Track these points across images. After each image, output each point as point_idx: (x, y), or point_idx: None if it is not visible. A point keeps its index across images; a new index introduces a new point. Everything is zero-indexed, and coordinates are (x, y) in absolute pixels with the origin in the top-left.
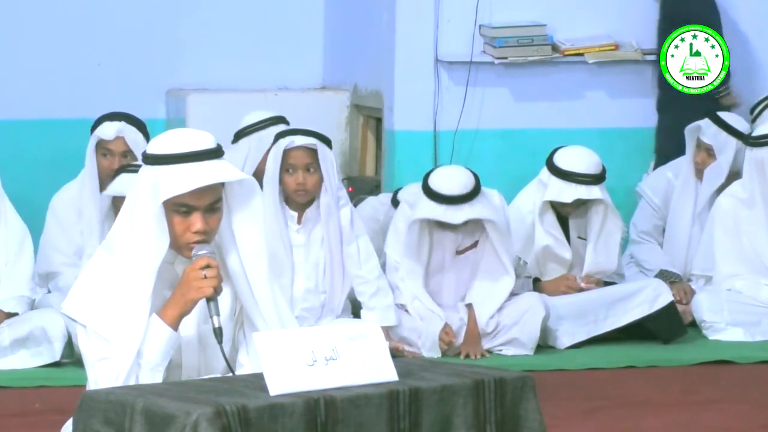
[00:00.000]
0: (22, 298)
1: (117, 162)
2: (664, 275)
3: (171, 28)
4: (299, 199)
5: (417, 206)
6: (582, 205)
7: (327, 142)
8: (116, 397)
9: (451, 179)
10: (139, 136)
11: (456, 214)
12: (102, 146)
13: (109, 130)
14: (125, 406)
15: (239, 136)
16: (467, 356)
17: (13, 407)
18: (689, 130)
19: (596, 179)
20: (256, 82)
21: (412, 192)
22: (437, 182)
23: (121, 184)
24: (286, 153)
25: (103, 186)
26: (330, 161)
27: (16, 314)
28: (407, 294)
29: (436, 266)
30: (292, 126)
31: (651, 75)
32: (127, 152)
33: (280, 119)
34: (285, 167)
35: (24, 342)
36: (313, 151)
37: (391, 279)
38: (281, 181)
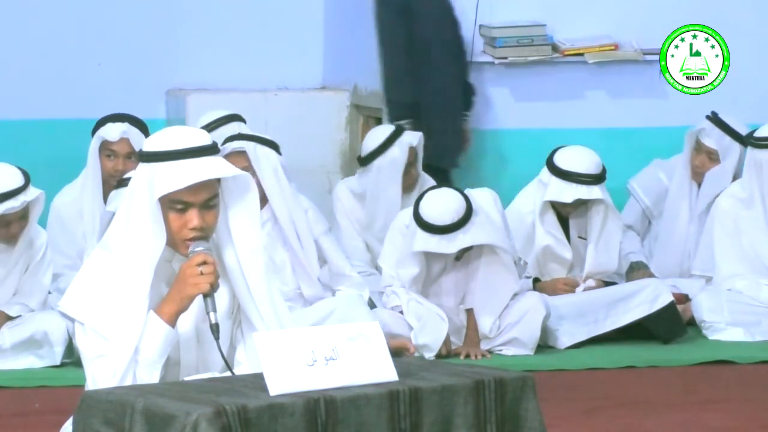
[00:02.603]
0: (26, 307)
1: (121, 163)
2: (633, 267)
3: (171, 28)
4: None
5: (413, 238)
6: (582, 205)
7: (268, 144)
8: (116, 397)
9: (441, 207)
10: (143, 138)
11: (450, 245)
12: (106, 147)
13: (113, 132)
14: (125, 406)
15: None
16: (467, 356)
17: (13, 407)
18: (688, 134)
19: (596, 179)
20: (256, 82)
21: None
22: (428, 212)
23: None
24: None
25: (105, 187)
26: (269, 164)
27: (18, 317)
28: (403, 296)
29: (436, 272)
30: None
31: (650, 75)
32: (132, 153)
33: (232, 117)
34: None
35: (25, 345)
36: (245, 155)
37: (386, 290)
38: None
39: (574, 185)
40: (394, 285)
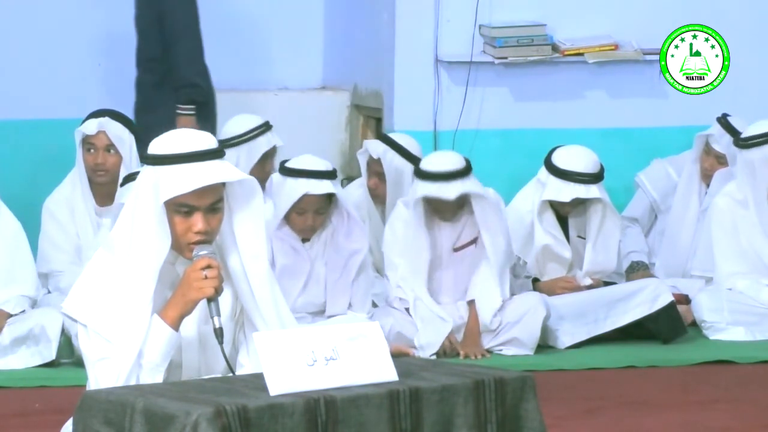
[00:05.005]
0: (23, 298)
1: (101, 156)
2: (633, 267)
3: None
4: (304, 236)
5: (412, 189)
6: (581, 204)
7: (336, 176)
8: (116, 397)
9: (441, 159)
10: (125, 131)
11: (449, 189)
12: (86, 142)
13: (91, 125)
14: (125, 406)
15: (225, 145)
16: (467, 356)
17: (13, 407)
18: (698, 136)
19: (594, 178)
20: (256, 82)
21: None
22: (428, 163)
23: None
24: (302, 198)
25: (92, 184)
26: (345, 199)
27: (22, 312)
28: (410, 294)
29: (434, 264)
30: (286, 128)
31: (653, 75)
32: (110, 146)
33: (267, 126)
34: (295, 208)
35: (24, 340)
36: (328, 195)
37: (391, 277)
38: (286, 216)
39: (572, 184)
40: (400, 271)
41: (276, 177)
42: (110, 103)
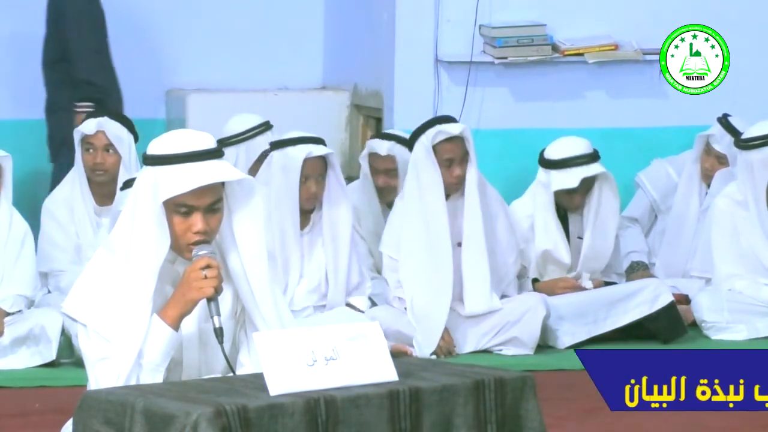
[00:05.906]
0: (20, 297)
1: (99, 156)
2: (633, 267)
3: (171, 28)
4: (309, 206)
5: (419, 141)
6: (588, 192)
7: (326, 144)
8: (116, 397)
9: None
10: (123, 131)
11: (452, 127)
12: (85, 141)
13: (90, 125)
14: (125, 406)
15: (225, 143)
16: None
17: (13, 407)
18: (698, 136)
19: (592, 158)
20: (256, 82)
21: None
22: (426, 121)
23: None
24: (303, 163)
25: (91, 184)
26: (337, 162)
27: (18, 312)
28: (408, 291)
29: (437, 259)
30: (286, 128)
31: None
32: (109, 146)
33: (267, 125)
34: (299, 176)
35: (24, 340)
36: (324, 160)
37: (389, 277)
38: None
39: (574, 169)
40: (402, 261)
41: (275, 154)
42: None
